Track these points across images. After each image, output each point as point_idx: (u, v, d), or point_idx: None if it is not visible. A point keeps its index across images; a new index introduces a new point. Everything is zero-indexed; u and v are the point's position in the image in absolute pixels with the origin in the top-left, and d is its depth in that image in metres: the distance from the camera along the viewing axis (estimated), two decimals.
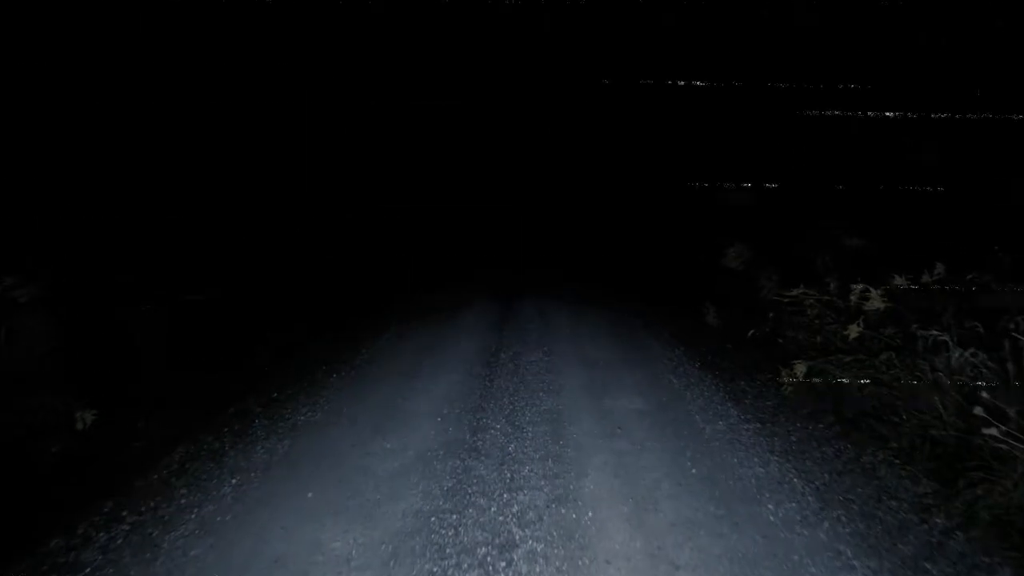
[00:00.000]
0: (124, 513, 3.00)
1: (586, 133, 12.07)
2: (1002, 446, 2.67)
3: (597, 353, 5.63)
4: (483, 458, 3.54)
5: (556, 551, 2.60)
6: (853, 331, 3.70)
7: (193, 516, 2.96)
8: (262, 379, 5.06)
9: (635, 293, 8.39)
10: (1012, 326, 3.19)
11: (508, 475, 3.31)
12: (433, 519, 2.87)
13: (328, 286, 8.89)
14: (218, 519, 2.93)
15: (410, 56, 13.26)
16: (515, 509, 2.95)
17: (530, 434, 3.84)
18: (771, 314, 4.85)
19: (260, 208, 8.20)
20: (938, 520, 2.79)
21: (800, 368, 3.96)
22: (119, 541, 2.76)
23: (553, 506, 2.97)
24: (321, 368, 5.39)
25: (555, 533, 2.74)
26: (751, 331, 4.95)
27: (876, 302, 3.64)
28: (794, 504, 2.96)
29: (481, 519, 2.87)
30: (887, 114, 5.71)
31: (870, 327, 4.04)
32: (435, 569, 2.50)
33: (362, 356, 5.75)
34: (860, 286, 4.00)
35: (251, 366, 5.34)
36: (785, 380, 4.32)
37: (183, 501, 3.11)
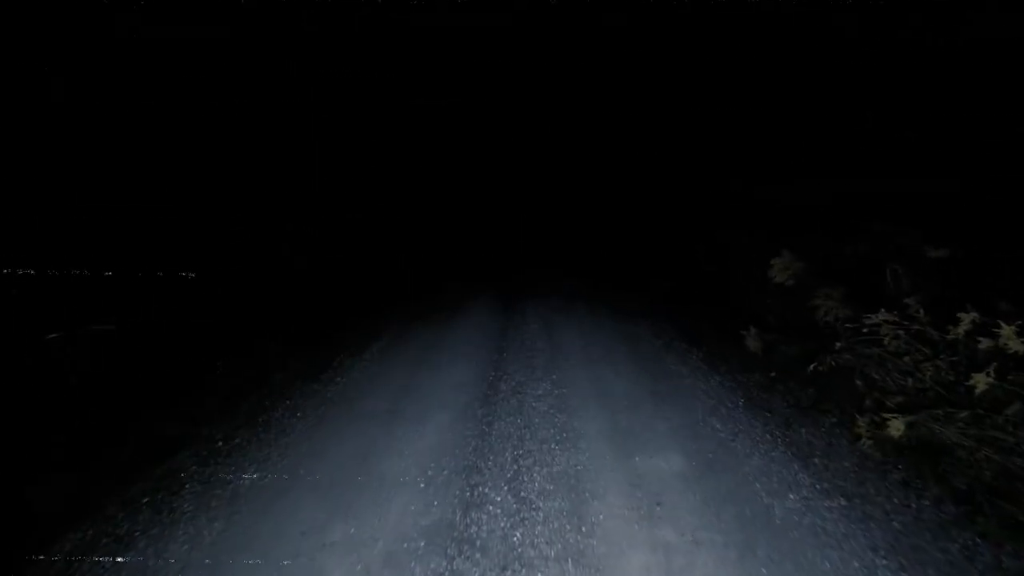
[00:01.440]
0: None
1: (605, 121, 11.04)
2: None
3: (617, 384, 4.69)
4: (479, 556, 2.59)
5: None
6: (980, 382, 2.76)
7: None
8: (206, 421, 4.10)
9: (655, 306, 7.43)
10: None
11: None
12: None
13: (314, 293, 7.93)
14: None
15: (410, 56, 12.30)
16: None
17: (541, 514, 2.89)
18: (838, 344, 3.90)
19: (247, 210, 7.23)
20: None
21: (896, 424, 3.01)
22: None
23: None
24: (282, 404, 4.43)
25: None
26: (812, 364, 3.99)
27: (1014, 343, 2.70)
28: None
29: None
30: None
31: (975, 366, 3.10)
32: None
33: (335, 388, 4.78)
34: (970, 315, 3.06)
35: (193, 403, 4.38)
36: (863, 433, 3.38)
37: None
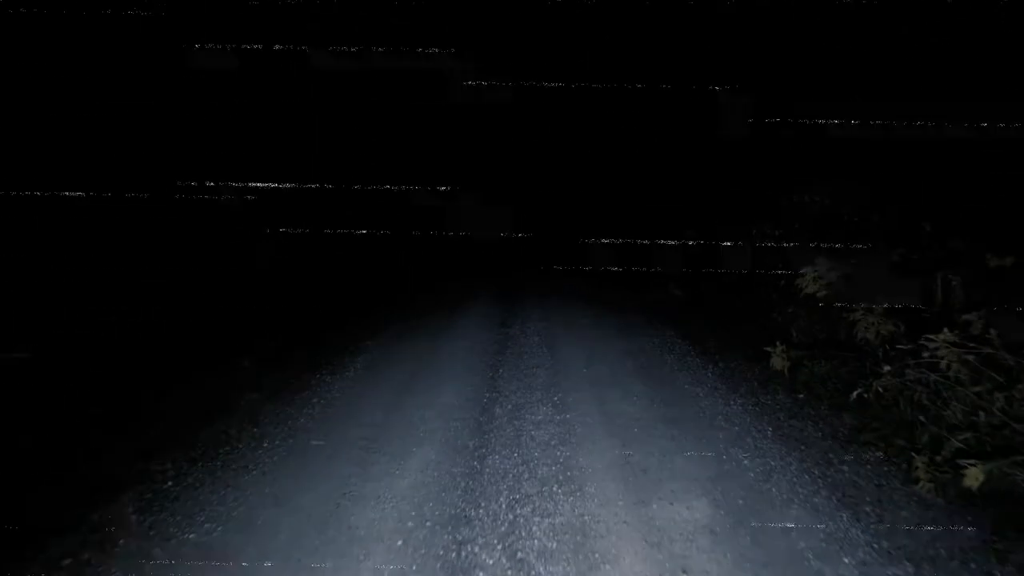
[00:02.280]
0: None
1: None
2: None
3: (625, 407, 4.17)
4: None
5: None
6: None
7: None
8: (158, 455, 3.58)
9: (666, 315, 6.91)
10: None
11: None
12: None
13: (299, 298, 7.41)
14: None
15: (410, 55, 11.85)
16: None
17: None
18: (886, 367, 3.38)
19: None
20: None
21: (975, 473, 2.50)
22: None
23: None
24: (248, 432, 3.91)
25: None
26: (856, 391, 3.48)
27: None
28: None
29: None
30: None
31: None
32: None
33: (310, 412, 4.27)
34: None
35: (145, 434, 3.86)
36: (922, 476, 2.86)
37: None
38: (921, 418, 3.17)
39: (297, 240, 8.18)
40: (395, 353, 5.68)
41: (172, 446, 3.70)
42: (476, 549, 2.60)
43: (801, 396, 4.27)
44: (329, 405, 4.41)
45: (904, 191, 4.66)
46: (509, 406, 4.26)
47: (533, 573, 2.43)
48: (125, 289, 5.56)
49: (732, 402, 4.23)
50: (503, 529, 2.74)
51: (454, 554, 2.57)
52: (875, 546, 2.55)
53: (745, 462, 3.34)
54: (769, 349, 4.36)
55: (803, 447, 3.51)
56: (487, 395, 4.49)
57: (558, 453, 3.50)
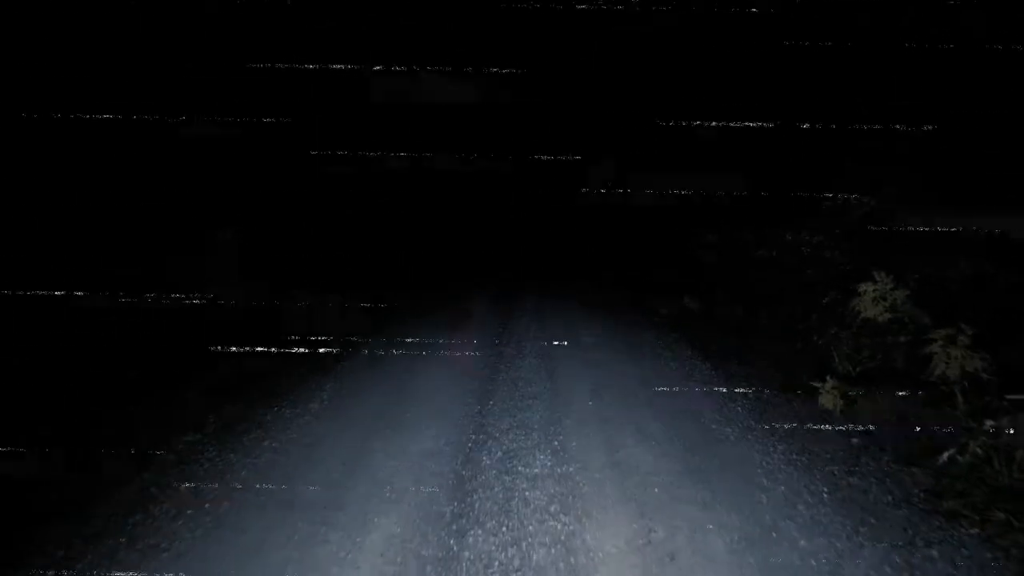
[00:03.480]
0: None
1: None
2: None
3: (640, 454, 3.41)
4: None
5: None
6: None
7: None
8: (57, 526, 2.82)
9: (685, 336, 6.14)
10: None
11: None
12: None
13: (275, 310, 6.66)
14: None
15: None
16: None
17: None
18: (989, 424, 2.62)
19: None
20: None
21: None
22: None
23: None
24: (171, 494, 3.15)
25: None
26: (946, 452, 2.72)
27: None
28: None
29: None
30: None
31: None
32: None
33: (255, 462, 3.50)
34: None
35: (42, 491, 3.09)
36: None
37: None
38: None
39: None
40: (368, 380, 4.91)
41: (70, 516, 2.94)
42: None
43: (855, 441, 3.50)
44: (281, 451, 3.64)
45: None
46: (499, 453, 3.49)
47: None
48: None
49: (772, 449, 3.46)
50: None
51: None
52: None
53: (801, 541, 2.57)
54: (816, 384, 3.58)
55: (873, 519, 2.73)
56: (472, 437, 3.73)
57: (559, 526, 2.73)
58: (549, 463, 3.36)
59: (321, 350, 5.71)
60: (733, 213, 6.13)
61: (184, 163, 5.44)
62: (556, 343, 5.84)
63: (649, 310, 7.18)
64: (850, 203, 4.17)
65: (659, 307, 6.96)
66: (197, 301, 5.03)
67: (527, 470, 3.28)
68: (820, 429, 3.62)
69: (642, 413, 4.02)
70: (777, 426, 3.76)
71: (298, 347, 5.70)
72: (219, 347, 5.27)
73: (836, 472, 3.18)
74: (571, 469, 3.28)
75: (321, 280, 7.16)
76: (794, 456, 3.36)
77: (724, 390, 4.45)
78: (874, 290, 3.44)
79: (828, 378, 3.56)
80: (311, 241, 7.00)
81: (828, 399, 3.48)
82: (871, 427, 3.45)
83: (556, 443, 3.61)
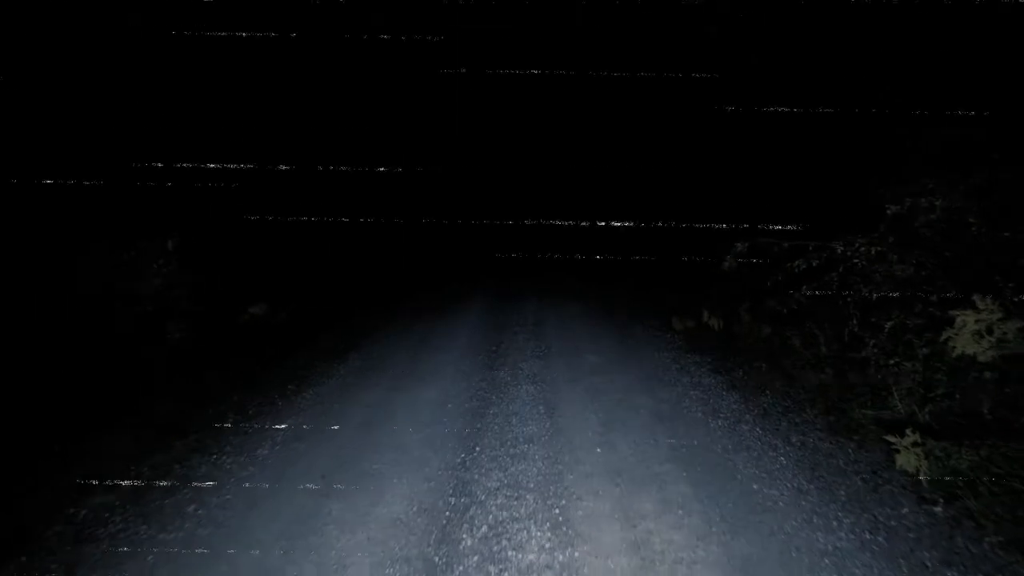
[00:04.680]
0: None
1: None
2: None
3: (666, 532, 2.63)
4: None
5: None
6: None
7: None
8: None
9: (698, 353, 5.36)
10: None
11: None
12: None
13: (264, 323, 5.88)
14: None
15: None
16: None
17: None
18: None
19: None
20: None
21: None
22: None
23: None
24: None
25: None
26: None
27: None
28: None
29: None
30: None
31: None
32: None
33: (159, 560, 2.73)
34: None
35: None
36: None
37: None
38: None
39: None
40: (325, 424, 4.13)
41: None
42: None
43: (939, 510, 2.73)
44: (198, 534, 2.87)
45: None
46: (483, 528, 2.72)
47: None
48: None
49: (837, 524, 2.68)
50: None
51: None
52: None
53: None
54: (892, 439, 2.80)
55: None
56: (451, 501, 2.95)
57: None
58: (548, 544, 2.58)
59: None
60: (766, 217, 5.35)
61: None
62: (557, 365, 5.07)
63: (663, 325, 6.40)
64: (920, 206, 3.41)
65: (673, 322, 6.18)
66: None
67: (519, 556, 2.51)
68: (898, 499, 2.84)
69: (663, 467, 3.25)
70: (835, 486, 2.98)
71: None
72: None
73: (930, 565, 2.40)
74: (577, 554, 2.51)
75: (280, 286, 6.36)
76: (867, 537, 2.59)
77: (759, 432, 3.67)
78: (976, 321, 2.68)
79: (908, 432, 2.77)
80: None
81: (909, 460, 2.70)
82: (971, 504, 2.66)
83: (557, 511, 2.84)
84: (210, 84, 5.84)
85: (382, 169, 9.85)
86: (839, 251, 3.69)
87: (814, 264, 4.20)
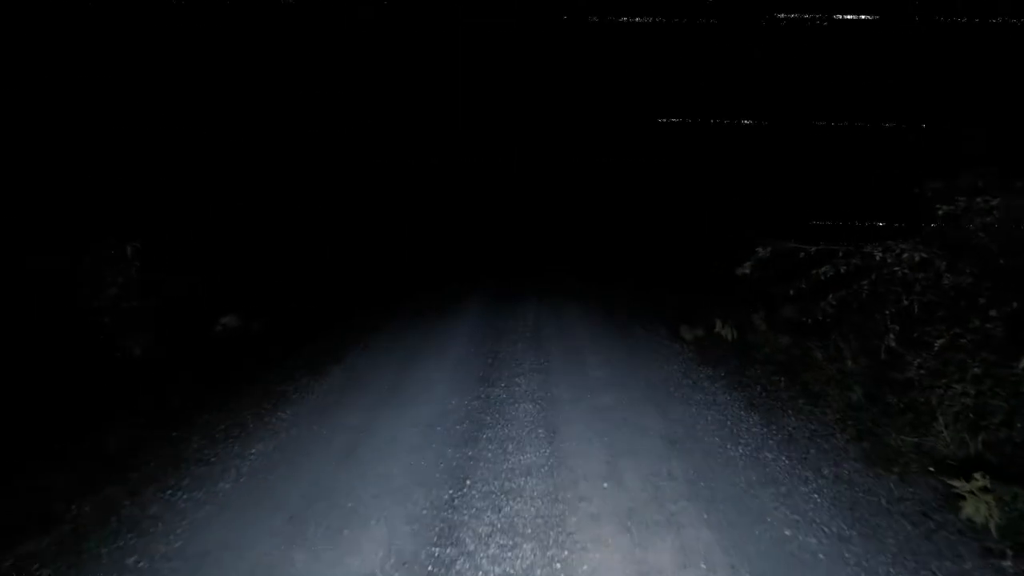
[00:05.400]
0: None
1: None
2: None
3: (671, 552, 2.22)
4: None
5: None
6: None
7: None
8: None
9: (711, 365, 4.94)
10: None
11: None
12: None
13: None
14: None
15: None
16: None
17: None
18: None
19: None
20: None
21: None
22: None
23: None
24: None
25: None
26: None
27: None
28: None
29: None
30: None
31: None
32: None
33: None
34: None
35: None
36: None
37: None
38: None
39: None
40: (300, 450, 3.71)
41: None
42: None
43: (1008, 565, 2.31)
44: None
45: None
46: None
47: None
48: None
49: None
50: None
51: None
52: None
53: None
54: (956, 484, 2.39)
55: None
56: (435, 551, 2.54)
57: None
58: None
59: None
60: (791, 219, 4.93)
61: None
62: (558, 380, 4.66)
63: (671, 333, 5.99)
64: (976, 207, 3.01)
65: (683, 331, 5.77)
66: None
67: None
68: (956, 549, 2.42)
69: (679, 505, 2.83)
70: (885, 538, 2.56)
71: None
72: None
73: None
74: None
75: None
76: None
77: (786, 461, 3.26)
78: None
79: (977, 476, 2.36)
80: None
81: (978, 507, 2.29)
82: None
83: (559, 565, 2.42)
84: (180, 73, 5.43)
85: (370, 165, 9.43)
86: (878, 257, 3.28)
87: (842, 271, 3.78)
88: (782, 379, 4.56)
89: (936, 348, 2.92)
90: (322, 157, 8.33)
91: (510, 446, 3.52)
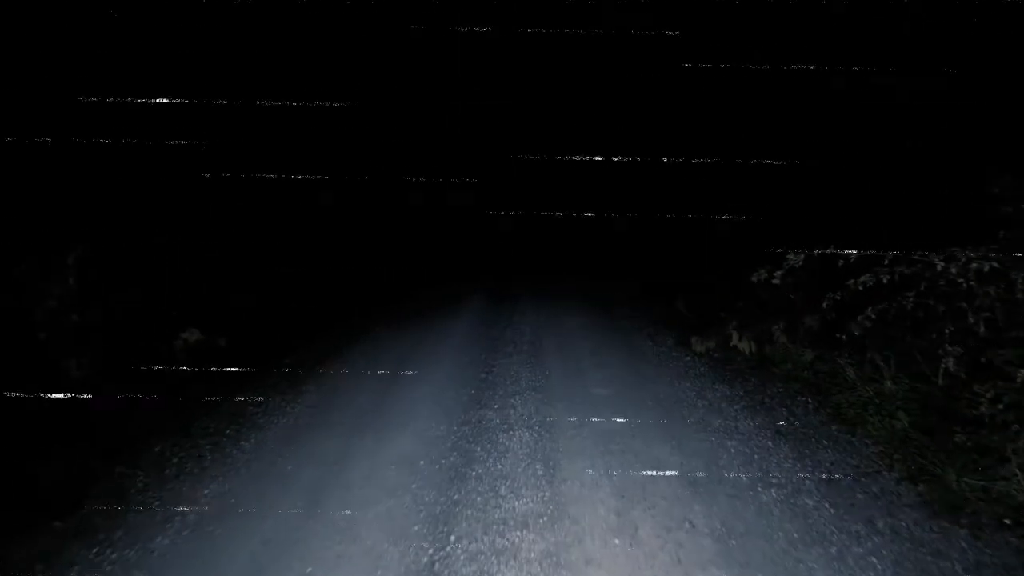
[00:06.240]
0: None
1: None
2: None
3: None
4: None
5: None
6: None
7: None
8: None
9: (728, 387, 4.44)
10: None
11: None
12: None
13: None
14: None
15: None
16: None
17: None
18: None
19: None
20: None
21: None
22: None
23: None
24: None
25: None
26: None
27: None
28: None
29: None
30: None
31: None
32: None
33: None
34: None
35: None
36: None
37: None
38: None
39: None
40: (258, 492, 3.21)
41: None
42: None
43: None
44: None
45: None
46: None
47: None
48: None
49: None
50: None
51: None
52: None
53: None
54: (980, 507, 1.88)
55: None
56: None
57: None
58: None
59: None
60: (829, 223, 4.42)
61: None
62: (558, 400, 4.16)
63: (679, 343, 5.50)
64: None
65: (693, 342, 5.27)
66: None
67: None
68: None
69: (707, 571, 2.33)
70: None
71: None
72: None
73: None
74: None
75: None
76: None
77: (830, 509, 2.76)
78: None
79: None
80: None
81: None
82: None
83: None
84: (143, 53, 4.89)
85: (350, 169, 8.89)
86: (939, 266, 2.78)
87: (884, 280, 3.28)
88: (809, 400, 4.07)
89: (1020, 379, 2.42)
90: (305, 161, 7.81)
91: (503, 487, 3.02)
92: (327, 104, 8.56)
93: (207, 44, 6.31)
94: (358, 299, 7.62)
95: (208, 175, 5.95)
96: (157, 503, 3.00)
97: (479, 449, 3.46)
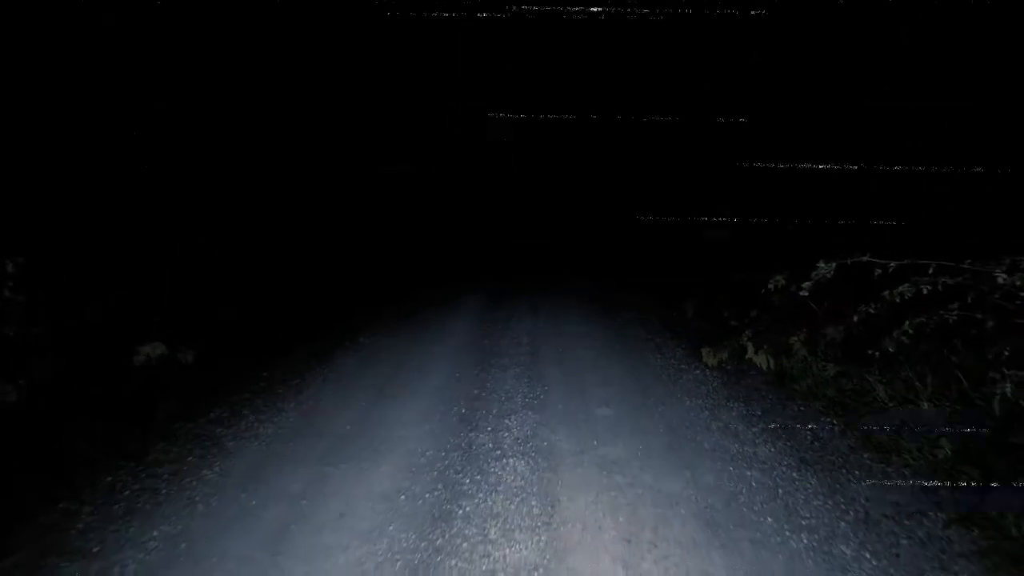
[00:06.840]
0: None
1: None
2: None
3: None
4: None
5: None
6: None
7: None
8: None
9: (744, 406, 4.06)
10: None
11: None
12: None
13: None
14: None
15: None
16: None
17: None
18: None
19: None
20: None
21: None
22: None
23: None
24: None
25: None
26: None
27: None
28: None
29: None
30: None
31: None
32: None
33: None
34: None
35: None
36: None
37: None
38: None
39: None
40: (214, 536, 2.83)
41: None
42: None
43: None
44: None
45: None
46: None
47: None
48: None
49: None
50: None
51: None
52: None
53: None
54: None
55: None
56: None
57: None
58: None
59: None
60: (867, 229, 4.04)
61: None
62: (556, 421, 3.78)
63: (688, 355, 5.12)
64: None
65: (704, 354, 4.88)
66: None
67: None
68: None
69: None
70: None
71: None
72: None
73: None
74: None
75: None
76: None
77: (872, 560, 2.38)
78: None
79: None
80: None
81: None
82: None
83: None
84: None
85: (326, 166, 8.52)
86: (1000, 279, 2.41)
87: (924, 291, 2.90)
88: (835, 422, 3.68)
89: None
90: (289, 161, 7.44)
91: (493, 530, 2.64)
92: (319, 97, 8.20)
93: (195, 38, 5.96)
94: (349, 302, 7.23)
95: (189, 174, 5.58)
96: (97, 547, 2.62)
97: (469, 481, 3.08)
